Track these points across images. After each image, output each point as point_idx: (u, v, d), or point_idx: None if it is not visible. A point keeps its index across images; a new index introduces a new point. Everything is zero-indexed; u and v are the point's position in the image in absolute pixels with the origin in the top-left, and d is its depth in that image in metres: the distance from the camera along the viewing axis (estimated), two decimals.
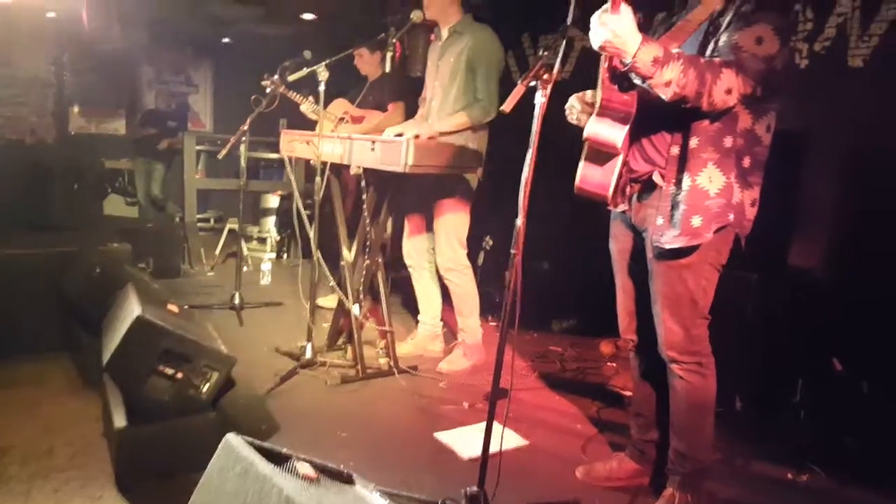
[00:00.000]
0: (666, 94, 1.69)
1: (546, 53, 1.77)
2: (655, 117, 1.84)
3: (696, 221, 1.82)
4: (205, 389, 2.62)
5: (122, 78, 7.49)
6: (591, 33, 1.69)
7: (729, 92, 1.69)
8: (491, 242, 4.45)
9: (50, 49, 7.05)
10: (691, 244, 1.84)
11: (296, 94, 4.08)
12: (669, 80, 1.65)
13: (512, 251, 1.88)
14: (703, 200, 1.81)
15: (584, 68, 4.09)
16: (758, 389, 2.71)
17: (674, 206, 1.85)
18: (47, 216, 6.25)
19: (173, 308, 3.03)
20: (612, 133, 1.83)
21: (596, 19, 1.66)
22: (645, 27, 3.92)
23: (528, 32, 4.57)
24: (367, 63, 4.24)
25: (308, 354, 3.16)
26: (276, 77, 3.94)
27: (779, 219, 2.88)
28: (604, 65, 1.81)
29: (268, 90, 3.94)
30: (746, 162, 1.84)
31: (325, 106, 3.94)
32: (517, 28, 4.62)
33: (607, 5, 1.63)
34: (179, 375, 2.57)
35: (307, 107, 4.15)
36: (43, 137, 7.18)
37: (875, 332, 2.57)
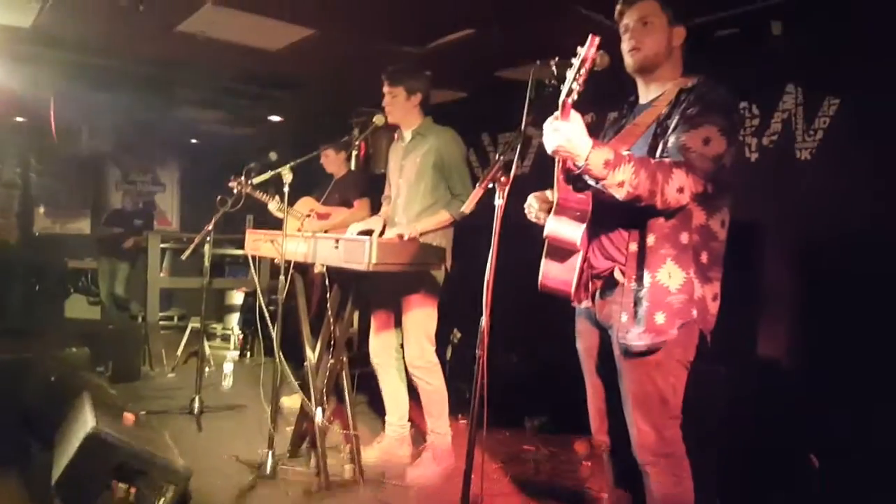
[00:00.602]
0: (620, 195, 1.74)
1: (502, 158, 1.83)
2: (612, 215, 1.89)
3: (660, 318, 1.82)
4: None
5: (88, 179, 7.55)
6: (544, 138, 1.75)
7: (681, 190, 1.74)
8: (459, 336, 4.42)
9: (16, 151, 7.12)
10: (656, 341, 1.83)
11: (262, 194, 4.14)
12: (622, 181, 1.71)
13: (477, 352, 1.87)
14: (665, 297, 1.82)
15: (542, 163, 4.25)
16: (738, 488, 2.63)
17: (637, 303, 1.85)
18: (6, 319, 6.07)
19: (129, 417, 2.91)
20: (570, 231, 1.87)
21: (548, 126, 1.73)
22: (597, 127, 4.12)
23: (488, 132, 4.78)
24: (333, 162, 4.37)
25: (269, 464, 3.02)
26: (241, 178, 4.02)
27: (741, 311, 2.95)
28: (559, 166, 1.88)
29: (234, 191, 4.01)
30: (704, 257, 1.87)
31: (291, 204, 4.00)
32: (477, 127, 4.83)
33: (558, 112, 1.71)
34: (133, 491, 2.46)
35: (274, 205, 4.22)
36: (5, 238, 7.10)
37: (848, 423, 2.56)
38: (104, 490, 2.45)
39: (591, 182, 1.81)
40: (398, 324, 3.32)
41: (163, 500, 2.51)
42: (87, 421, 2.56)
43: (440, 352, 3.37)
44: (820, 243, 2.87)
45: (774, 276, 3.02)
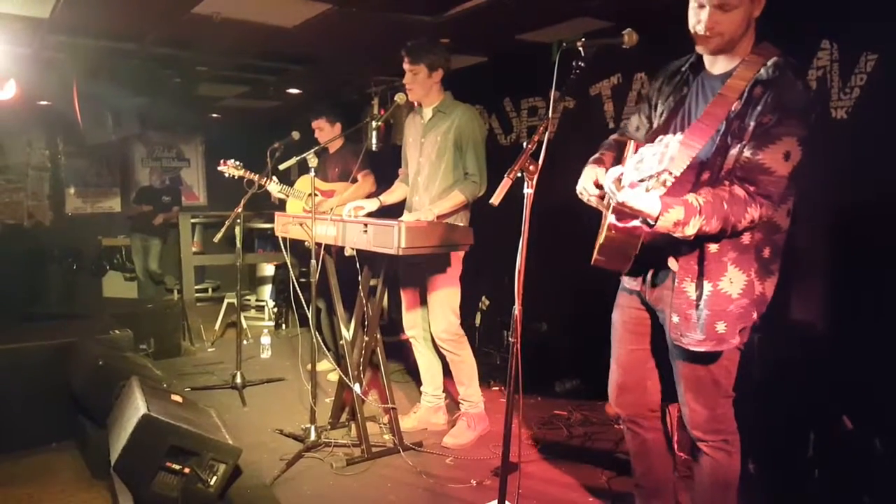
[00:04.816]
0: (689, 239, 1.69)
1: (530, 147, 1.80)
2: None
3: (721, 327, 1.77)
4: (213, 482, 2.63)
5: (115, 158, 7.67)
6: (609, 193, 1.69)
7: (752, 222, 1.69)
8: (487, 303, 4.47)
9: (44, 135, 7.24)
10: (718, 349, 1.80)
11: (254, 175, 4.16)
12: (693, 234, 1.66)
13: (510, 339, 1.90)
14: (727, 305, 1.77)
15: (567, 129, 4.19)
16: (770, 450, 2.68)
17: (693, 308, 1.80)
18: (47, 303, 6.28)
19: (177, 399, 3.03)
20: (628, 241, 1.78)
21: (607, 188, 1.67)
22: (623, 88, 3.98)
23: (510, 97, 4.70)
24: (328, 135, 4.23)
25: (312, 436, 3.15)
26: (231, 160, 4.17)
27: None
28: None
29: (226, 174, 4.15)
30: (766, 252, 1.80)
31: (291, 184, 4.07)
32: (499, 92, 4.75)
33: (627, 181, 1.62)
34: (187, 470, 2.60)
35: (275, 188, 4.19)
36: (40, 220, 7.30)
37: (882, 386, 2.56)
38: (159, 471, 2.58)
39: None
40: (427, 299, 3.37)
41: (215, 478, 2.65)
42: (138, 406, 2.68)
43: (470, 319, 3.43)
44: (856, 206, 2.79)
45: (808, 240, 2.96)
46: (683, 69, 1.95)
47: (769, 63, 1.74)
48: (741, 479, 2.14)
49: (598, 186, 1.91)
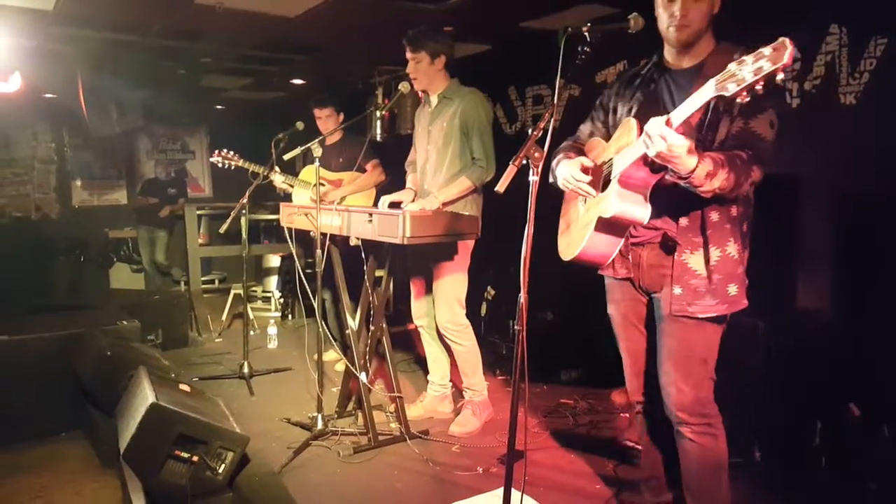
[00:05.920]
0: (706, 195, 1.73)
1: (535, 133, 1.80)
2: (663, 187, 1.82)
3: (733, 289, 1.87)
4: (221, 470, 2.65)
5: (120, 150, 7.70)
6: (647, 143, 1.66)
7: (752, 185, 1.77)
8: (493, 293, 4.47)
9: (49, 127, 7.26)
10: (731, 311, 1.88)
11: (256, 165, 4.15)
12: (715, 188, 1.70)
13: (516, 327, 1.91)
14: (735, 268, 1.87)
15: (571, 116, 4.16)
16: (776, 438, 2.69)
17: (696, 278, 1.86)
18: (54, 295, 6.32)
19: (185, 388, 3.06)
20: (640, 211, 1.81)
21: (656, 129, 1.62)
22: (631, 77, 3.96)
23: (514, 85, 4.68)
24: (335, 124, 4.19)
25: (319, 425, 3.17)
26: (225, 150, 4.16)
27: (779, 263, 2.91)
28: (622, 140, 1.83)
29: (219, 164, 4.13)
30: (745, 226, 1.91)
31: (296, 175, 4.06)
32: (503, 81, 4.73)
33: (670, 118, 1.62)
34: (195, 458, 2.61)
35: (278, 178, 4.15)
36: (47, 213, 7.35)
37: (890, 373, 2.55)
38: (168, 459, 2.61)
39: (677, 181, 1.74)
40: None
41: (223, 465, 2.67)
42: (146, 395, 2.70)
43: (475, 308, 3.42)
44: (863, 192, 2.78)
45: (814, 227, 2.95)
46: (643, 72, 2.03)
47: (740, 50, 1.76)
48: (747, 468, 2.15)
49: (586, 171, 1.95)
